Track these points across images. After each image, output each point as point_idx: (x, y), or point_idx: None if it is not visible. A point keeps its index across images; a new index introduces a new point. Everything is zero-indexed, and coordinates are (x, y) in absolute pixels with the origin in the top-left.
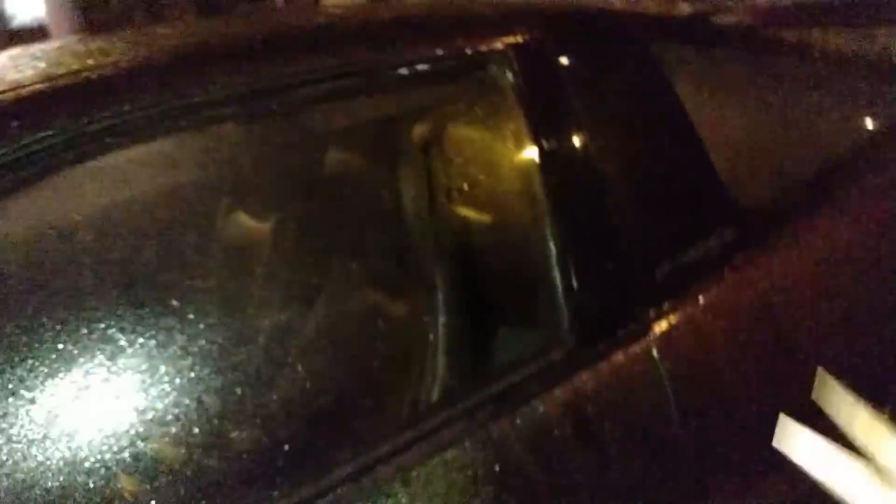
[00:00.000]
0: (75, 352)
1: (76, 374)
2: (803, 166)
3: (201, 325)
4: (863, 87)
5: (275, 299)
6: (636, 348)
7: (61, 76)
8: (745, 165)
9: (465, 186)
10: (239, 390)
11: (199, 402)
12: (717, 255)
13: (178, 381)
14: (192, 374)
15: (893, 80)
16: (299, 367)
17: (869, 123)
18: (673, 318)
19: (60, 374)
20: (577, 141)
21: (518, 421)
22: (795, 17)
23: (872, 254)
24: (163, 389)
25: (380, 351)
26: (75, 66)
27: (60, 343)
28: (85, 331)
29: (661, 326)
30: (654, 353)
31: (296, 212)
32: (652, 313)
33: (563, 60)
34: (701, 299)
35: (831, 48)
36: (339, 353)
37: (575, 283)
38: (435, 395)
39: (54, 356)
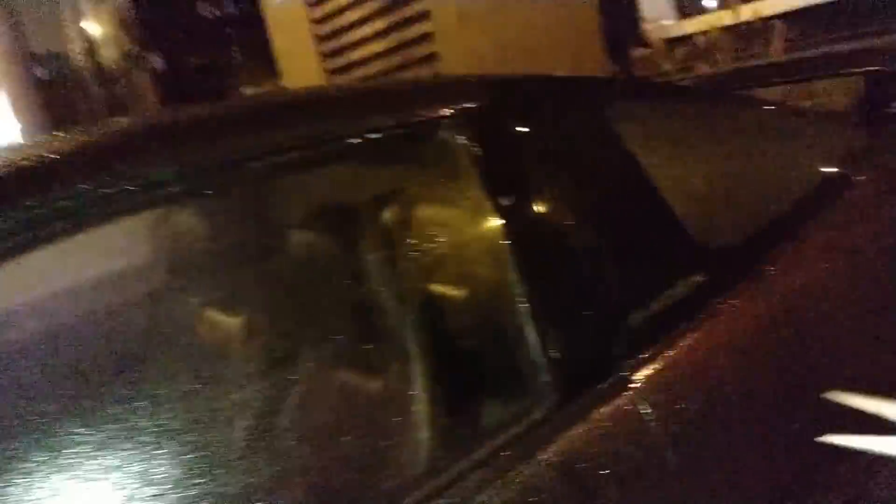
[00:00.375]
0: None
1: (34, 472)
2: (766, 208)
3: (169, 417)
4: (813, 134)
5: (247, 389)
6: (620, 399)
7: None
8: (711, 212)
9: (430, 253)
10: (216, 477)
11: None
12: (689, 299)
13: (147, 470)
14: (164, 465)
15: (839, 125)
16: (279, 452)
17: (824, 167)
18: (653, 366)
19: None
20: (537, 199)
21: (506, 487)
22: (744, 79)
23: (838, 286)
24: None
25: (360, 429)
26: (20, 157)
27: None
28: (39, 427)
29: (642, 374)
30: (639, 401)
31: (262, 297)
32: (631, 362)
33: (515, 123)
34: (678, 344)
35: (782, 102)
36: (319, 435)
37: (550, 340)
38: (420, 468)
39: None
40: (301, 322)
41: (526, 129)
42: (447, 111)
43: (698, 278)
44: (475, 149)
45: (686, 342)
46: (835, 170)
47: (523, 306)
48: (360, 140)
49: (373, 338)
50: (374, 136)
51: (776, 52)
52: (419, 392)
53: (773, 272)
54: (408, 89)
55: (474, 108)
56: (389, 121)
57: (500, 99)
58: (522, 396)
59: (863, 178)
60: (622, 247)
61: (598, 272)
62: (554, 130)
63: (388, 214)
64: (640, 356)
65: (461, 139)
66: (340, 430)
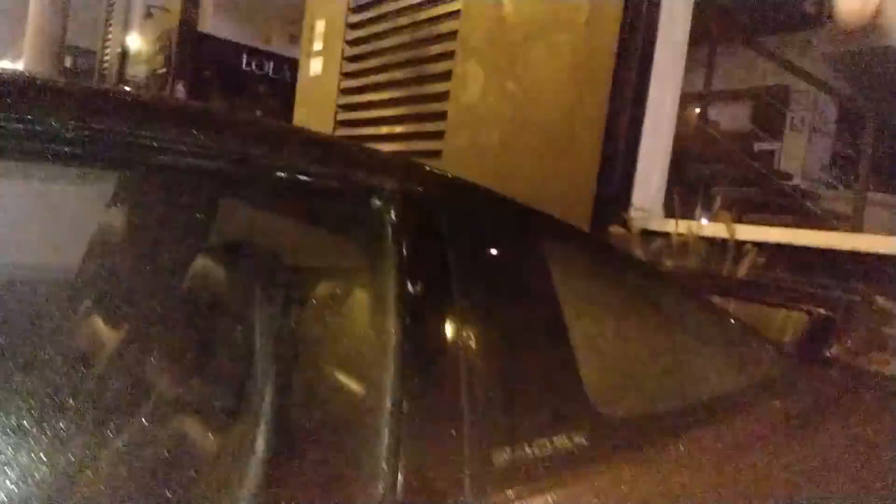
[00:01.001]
0: None
1: None
2: (670, 396)
3: None
4: (748, 350)
5: (93, 405)
6: None
7: None
8: (614, 379)
9: (313, 313)
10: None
11: None
12: (562, 456)
13: None
14: None
15: (775, 351)
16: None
17: (743, 381)
18: None
19: None
20: (443, 299)
21: None
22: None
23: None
24: None
25: (179, 482)
26: None
27: None
28: None
29: None
30: None
31: (138, 310)
32: (481, 501)
33: (454, 223)
34: (533, 498)
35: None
36: (138, 475)
37: (401, 448)
38: None
39: None
40: (170, 361)
41: (462, 232)
42: (391, 184)
43: (579, 438)
44: (404, 230)
45: (541, 499)
46: (750, 387)
47: (388, 402)
48: (287, 174)
49: (231, 395)
50: (309, 178)
51: (742, 272)
52: (254, 460)
53: (652, 458)
54: (365, 152)
55: (419, 192)
56: (330, 170)
57: (448, 196)
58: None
59: (777, 403)
60: (510, 379)
61: (478, 396)
62: (488, 243)
63: (285, 260)
64: (490, 497)
65: (393, 216)
66: (162, 476)
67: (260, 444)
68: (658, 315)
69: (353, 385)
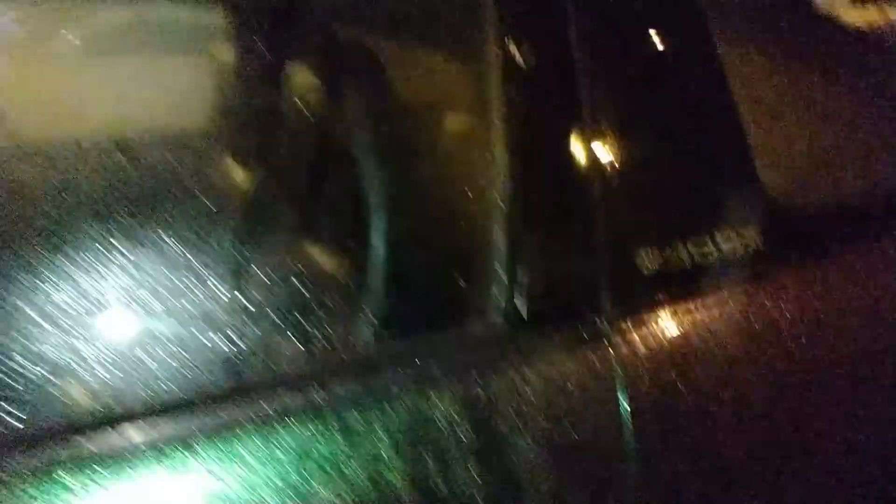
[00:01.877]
0: None
1: None
2: (871, 189)
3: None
4: None
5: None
6: (590, 348)
7: None
8: (798, 165)
9: (411, 113)
10: None
11: None
12: (724, 259)
13: None
14: None
15: None
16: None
17: None
18: (648, 323)
19: None
20: (561, 60)
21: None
22: None
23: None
24: None
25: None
26: None
27: None
28: None
29: (630, 330)
30: (613, 358)
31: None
32: (621, 310)
33: None
34: (691, 307)
35: None
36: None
37: (524, 253)
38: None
39: None
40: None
41: None
42: None
43: (749, 238)
44: None
45: (695, 309)
46: None
47: (503, 199)
48: None
49: (343, 215)
50: None
51: None
52: (370, 277)
53: (843, 260)
54: None
55: None
56: None
57: None
58: (475, 311)
59: None
60: (657, 160)
61: (612, 182)
62: None
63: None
64: (636, 306)
65: None
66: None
67: (375, 272)
68: (860, 84)
69: (455, 184)
